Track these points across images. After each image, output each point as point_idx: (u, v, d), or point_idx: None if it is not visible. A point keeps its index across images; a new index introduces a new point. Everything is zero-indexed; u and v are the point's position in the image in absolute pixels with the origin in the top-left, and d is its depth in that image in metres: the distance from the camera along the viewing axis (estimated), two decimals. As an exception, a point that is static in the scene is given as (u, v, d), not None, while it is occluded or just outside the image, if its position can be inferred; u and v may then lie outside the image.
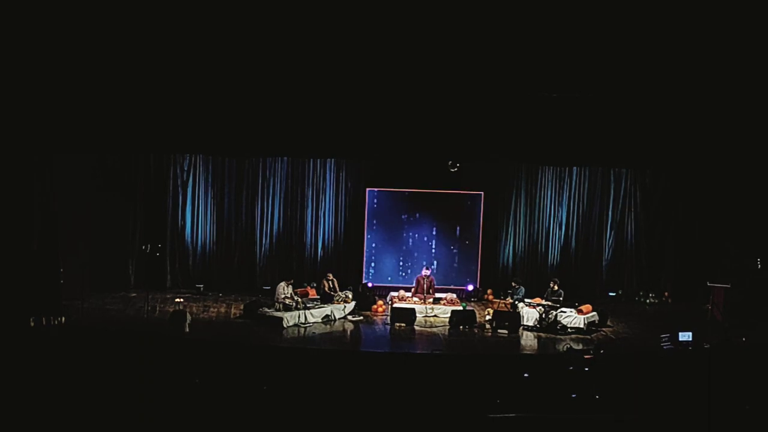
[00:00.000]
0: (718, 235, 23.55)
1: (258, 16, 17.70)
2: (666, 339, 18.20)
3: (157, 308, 20.70)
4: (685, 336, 18.09)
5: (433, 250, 24.56)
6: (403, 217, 24.51)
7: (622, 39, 18.14)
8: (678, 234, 24.52)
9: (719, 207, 23.55)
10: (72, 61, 18.50)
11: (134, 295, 22.21)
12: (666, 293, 24.39)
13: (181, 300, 19.92)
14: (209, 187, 24.08)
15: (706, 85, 19.21)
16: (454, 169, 22.35)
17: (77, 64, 18.64)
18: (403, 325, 20.42)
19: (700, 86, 19.29)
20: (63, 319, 18.27)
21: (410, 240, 24.54)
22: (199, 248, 24.15)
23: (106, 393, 13.27)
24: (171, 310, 19.91)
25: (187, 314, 19.14)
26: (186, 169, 23.86)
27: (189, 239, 24.07)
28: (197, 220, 24.07)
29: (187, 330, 18.59)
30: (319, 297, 21.17)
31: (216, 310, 21.25)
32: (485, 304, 22.82)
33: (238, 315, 20.73)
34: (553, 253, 24.91)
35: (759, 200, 22.60)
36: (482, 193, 24.48)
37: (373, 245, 24.54)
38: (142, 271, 23.13)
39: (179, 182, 23.84)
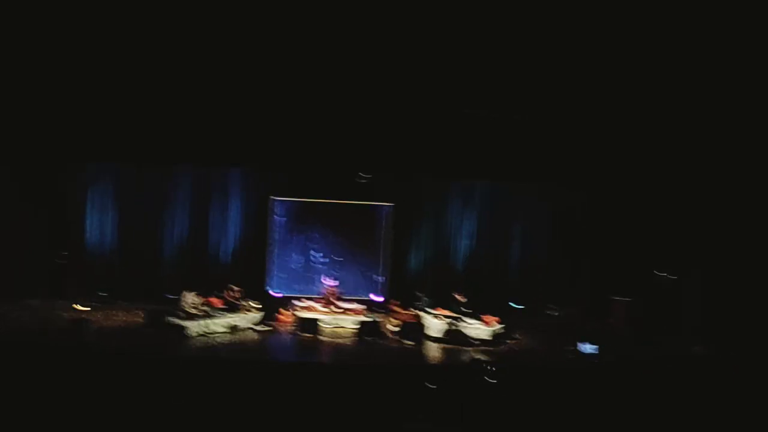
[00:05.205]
0: (628, 249, 23.80)
1: (172, 26, 17.49)
2: (571, 352, 18.47)
3: (59, 317, 20.22)
4: (590, 349, 18.38)
5: (341, 260, 24.53)
6: (310, 226, 24.45)
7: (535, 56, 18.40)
8: (588, 248, 24.86)
9: (629, 220, 23.83)
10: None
11: (36, 303, 21.67)
12: (574, 307, 24.61)
13: (84, 308, 19.44)
14: (113, 195, 23.69)
15: (618, 101, 19.57)
16: (363, 180, 22.40)
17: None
18: (309, 335, 20.35)
19: (614, 102, 19.65)
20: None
21: (317, 250, 24.49)
22: (103, 256, 23.69)
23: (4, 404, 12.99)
24: (73, 318, 19.47)
25: (89, 323, 18.75)
26: (90, 175, 23.44)
27: (92, 247, 23.61)
28: (101, 227, 23.64)
29: (90, 339, 18.21)
30: (224, 306, 20.96)
31: (119, 318, 20.85)
32: (392, 314, 22.82)
33: (141, 323, 20.36)
34: (461, 265, 25.09)
35: (668, 215, 22.82)
36: (392, 204, 24.55)
37: (279, 254, 24.41)
38: (44, 279, 22.64)
39: (83, 189, 23.41)
